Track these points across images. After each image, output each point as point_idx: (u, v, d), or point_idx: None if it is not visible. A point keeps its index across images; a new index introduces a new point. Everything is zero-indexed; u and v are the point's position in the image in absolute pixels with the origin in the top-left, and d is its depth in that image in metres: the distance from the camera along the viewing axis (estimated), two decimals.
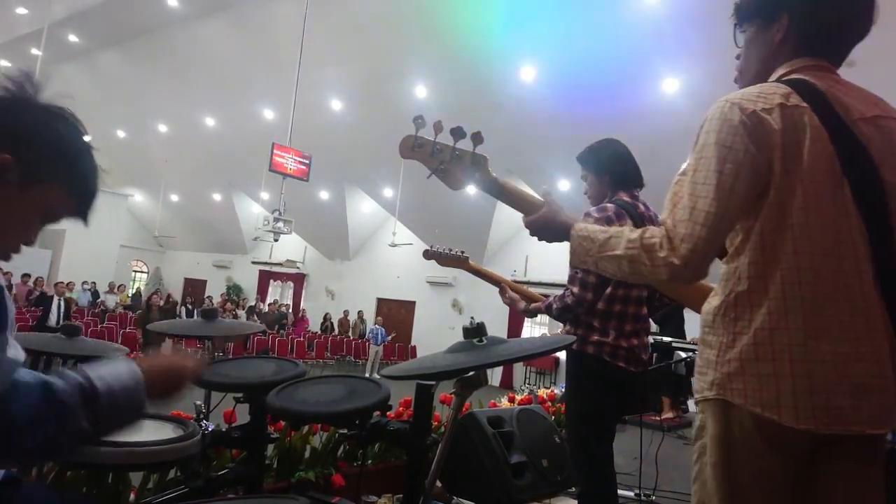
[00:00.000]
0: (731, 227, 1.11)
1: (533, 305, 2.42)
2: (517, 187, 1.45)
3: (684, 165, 1.17)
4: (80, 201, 0.99)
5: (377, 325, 15.11)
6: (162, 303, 11.10)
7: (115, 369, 0.95)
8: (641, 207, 2.31)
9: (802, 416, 1.03)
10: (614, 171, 2.37)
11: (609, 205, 2.23)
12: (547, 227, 1.33)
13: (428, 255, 2.60)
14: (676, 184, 1.16)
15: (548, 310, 2.32)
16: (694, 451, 1.18)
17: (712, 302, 1.17)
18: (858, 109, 1.12)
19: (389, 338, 15.42)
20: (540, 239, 1.37)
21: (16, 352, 0.90)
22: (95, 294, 16.68)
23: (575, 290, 2.20)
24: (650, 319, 2.46)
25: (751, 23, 1.28)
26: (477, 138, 1.37)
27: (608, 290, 2.21)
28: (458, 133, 1.37)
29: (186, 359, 1.09)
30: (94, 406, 0.89)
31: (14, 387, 0.84)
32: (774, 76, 1.22)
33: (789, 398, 1.04)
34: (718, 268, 1.21)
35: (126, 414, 0.95)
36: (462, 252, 2.57)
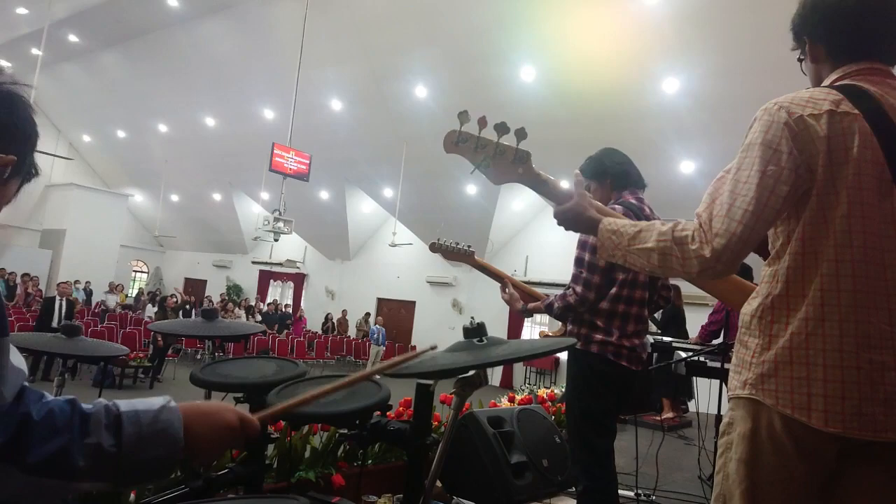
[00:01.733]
0: (767, 227, 1.11)
1: (531, 305, 2.42)
2: (559, 184, 1.46)
3: (730, 164, 1.17)
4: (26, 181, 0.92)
5: (378, 326, 15.12)
6: (177, 301, 11.18)
7: (146, 400, 0.85)
8: (647, 210, 2.33)
9: (832, 420, 1.04)
10: (615, 174, 2.39)
11: (617, 206, 2.25)
12: (577, 219, 1.36)
13: (434, 248, 2.60)
14: (718, 180, 1.17)
15: (548, 309, 2.32)
16: (720, 445, 1.20)
17: (752, 304, 1.18)
18: None
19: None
20: (567, 229, 1.40)
21: (18, 359, 0.85)
22: (89, 293, 16.68)
23: (578, 289, 2.20)
24: (652, 324, 2.48)
25: (796, 44, 1.32)
26: (521, 134, 1.38)
27: (613, 291, 2.22)
28: (502, 128, 1.38)
29: (233, 408, 0.94)
30: (118, 427, 0.79)
31: (31, 391, 0.80)
32: (827, 81, 1.22)
33: (820, 402, 1.05)
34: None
35: (154, 447, 0.81)
36: (469, 246, 2.57)
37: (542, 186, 1.44)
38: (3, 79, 0.82)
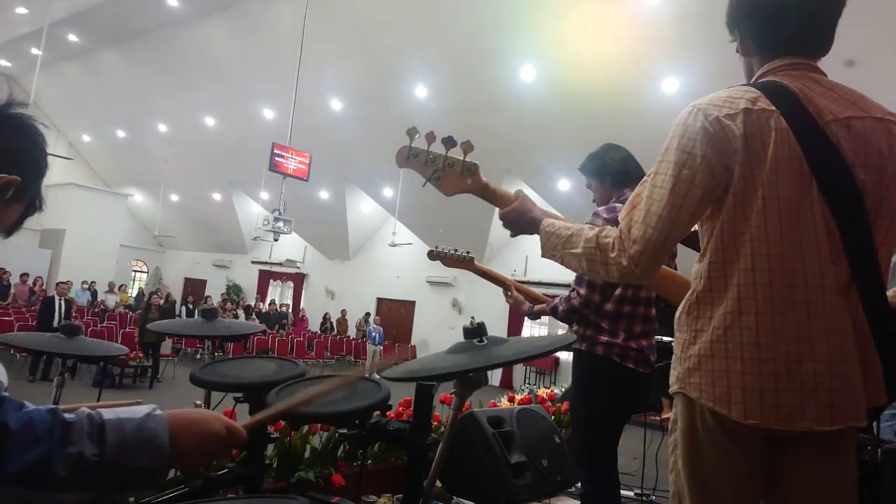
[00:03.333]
0: (683, 230, 1.14)
1: (537, 307, 2.39)
2: (508, 193, 1.50)
3: (652, 168, 1.20)
4: (23, 217, 0.94)
5: (375, 325, 15.10)
6: (162, 301, 11.09)
7: (131, 409, 0.84)
8: None
9: (750, 412, 1.06)
10: (616, 171, 2.36)
11: (617, 204, 2.22)
12: (519, 219, 1.41)
13: (433, 255, 2.57)
14: (641, 184, 1.20)
15: (553, 311, 2.29)
16: (669, 443, 1.23)
17: (683, 301, 1.21)
18: (831, 110, 1.12)
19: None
20: (511, 231, 1.45)
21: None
22: (94, 293, 16.67)
23: (582, 291, 2.17)
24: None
25: (732, 37, 1.33)
26: (467, 147, 1.43)
27: (617, 292, 2.19)
28: (449, 142, 1.43)
29: (220, 416, 0.93)
30: (101, 436, 0.78)
31: (9, 401, 0.78)
32: (753, 78, 1.24)
33: (738, 394, 1.07)
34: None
35: (138, 455, 0.80)
36: (467, 252, 2.55)
37: (490, 196, 1.49)
38: (22, 109, 0.85)
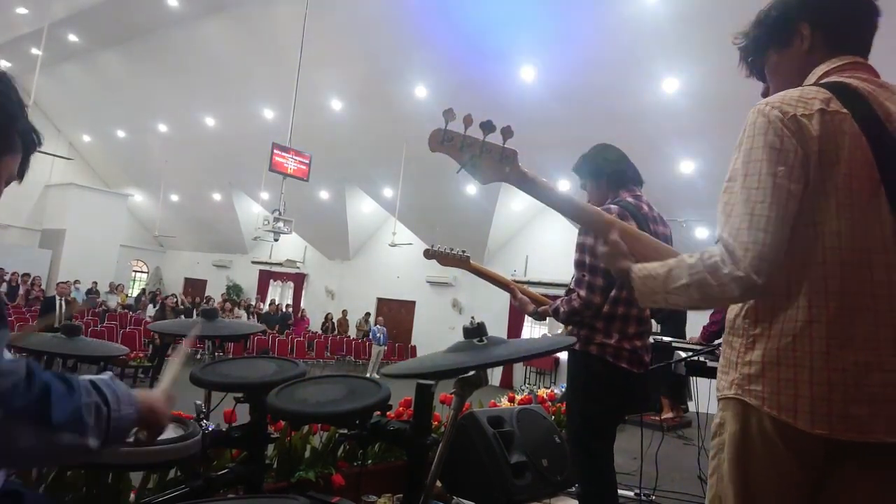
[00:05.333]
0: (790, 229, 1.08)
1: (541, 308, 2.39)
2: (548, 183, 1.44)
3: (729, 172, 1.14)
4: (26, 158, 0.96)
5: (379, 326, 15.11)
6: (176, 302, 11.26)
7: (121, 391, 0.97)
8: (645, 208, 2.30)
9: (818, 422, 1.03)
10: (612, 173, 2.36)
11: (612, 206, 2.22)
12: (613, 266, 1.32)
13: (429, 254, 2.56)
14: (725, 192, 1.14)
15: (555, 313, 2.29)
16: (712, 446, 1.20)
17: (737, 304, 1.18)
18: None
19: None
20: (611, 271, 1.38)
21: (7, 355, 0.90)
22: (91, 292, 16.66)
23: (582, 293, 2.17)
24: (652, 319, 2.45)
25: (767, 54, 1.31)
26: (507, 132, 1.35)
27: (612, 293, 2.19)
28: (487, 127, 1.34)
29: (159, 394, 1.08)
30: (98, 390, 0.91)
31: (35, 362, 0.87)
32: (813, 77, 1.21)
33: (806, 404, 1.04)
34: None
35: (126, 405, 0.95)
36: (464, 252, 2.54)
37: (529, 186, 1.41)
38: None
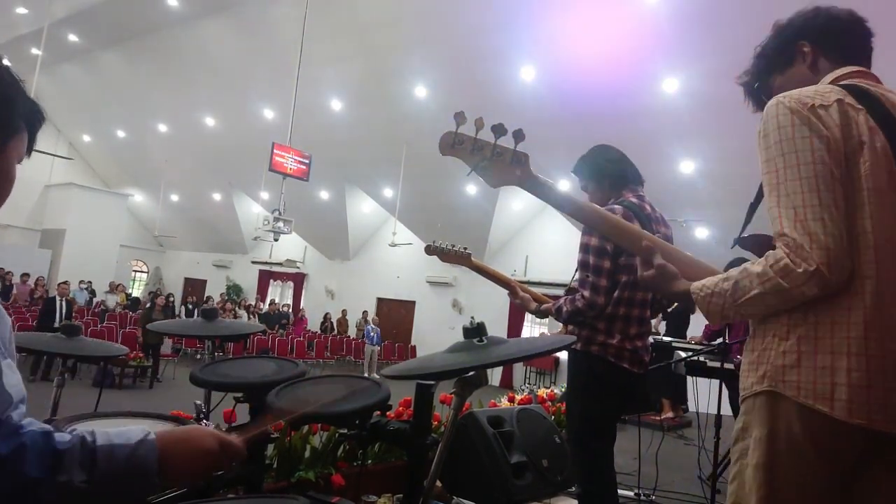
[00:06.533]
0: (844, 211, 1.06)
1: (544, 307, 2.38)
2: (559, 188, 1.44)
3: (764, 167, 1.14)
4: (33, 135, 0.91)
5: (372, 325, 15.08)
6: (165, 303, 11.25)
7: (125, 430, 0.86)
8: (648, 208, 2.30)
9: (856, 411, 1.01)
10: (613, 173, 2.36)
11: (616, 206, 2.22)
12: (663, 290, 1.29)
13: (430, 250, 2.55)
14: (768, 188, 1.12)
15: (557, 312, 2.28)
16: (734, 451, 1.17)
17: None
18: None
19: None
20: (655, 294, 1.36)
21: (15, 379, 0.83)
22: (92, 293, 16.68)
23: (586, 294, 2.17)
24: (657, 318, 2.45)
25: (771, 79, 1.33)
26: (518, 135, 1.34)
27: (614, 294, 2.19)
28: (498, 130, 1.34)
29: (214, 433, 0.93)
30: (91, 463, 0.79)
31: (5, 425, 0.78)
32: (824, 83, 1.22)
33: (844, 391, 1.02)
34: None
35: (126, 483, 0.82)
36: (465, 249, 2.53)
37: (540, 189, 1.41)
38: None
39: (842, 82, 1.19)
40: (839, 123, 1.08)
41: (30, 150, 0.91)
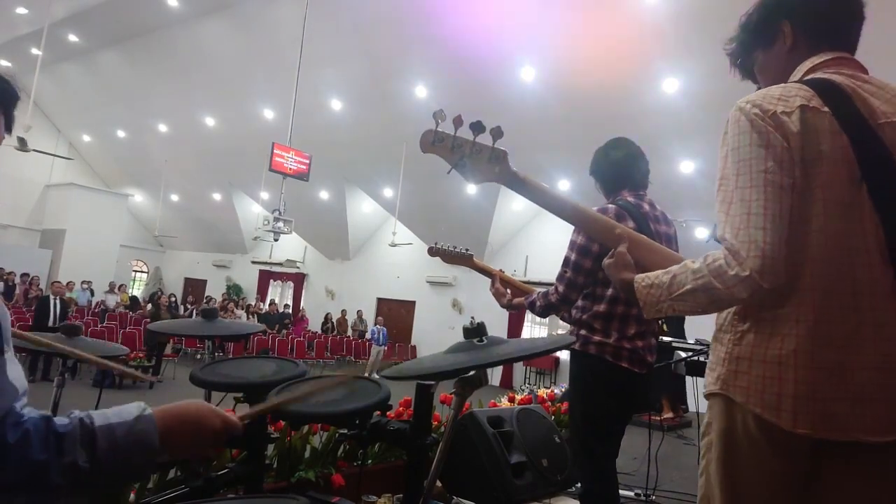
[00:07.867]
0: (788, 223, 1.07)
1: (515, 300, 2.39)
2: (539, 183, 1.44)
3: (720, 172, 1.14)
4: (8, 112, 0.91)
5: (378, 326, 15.09)
6: (170, 302, 11.32)
7: (121, 409, 0.88)
8: (646, 207, 2.28)
9: (801, 421, 1.03)
10: (612, 172, 2.37)
11: (610, 206, 2.22)
12: (613, 278, 1.34)
13: (432, 251, 2.55)
14: (719, 192, 1.13)
15: (531, 306, 2.30)
16: (702, 446, 1.20)
17: None
18: (885, 112, 1.11)
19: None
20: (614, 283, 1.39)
21: (17, 371, 0.84)
22: (93, 293, 16.67)
23: (560, 288, 2.18)
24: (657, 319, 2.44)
25: (754, 55, 1.31)
26: (496, 133, 1.36)
27: (609, 293, 2.18)
28: (477, 127, 1.36)
29: (216, 410, 0.95)
30: (92, 443, 0.81)
31: (9, 414, 0.80)
32: (798, 73, 1.21)
33: (789, 402, 1.04)
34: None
35: (129, 457, 0.84)
36: (466, 249, 2.54)
37: (520, 186, 1.42)
38: None
39: (816, 74, 1.17)
40: (799, 130, 1.07)
41: (9, 128, 0.91)
